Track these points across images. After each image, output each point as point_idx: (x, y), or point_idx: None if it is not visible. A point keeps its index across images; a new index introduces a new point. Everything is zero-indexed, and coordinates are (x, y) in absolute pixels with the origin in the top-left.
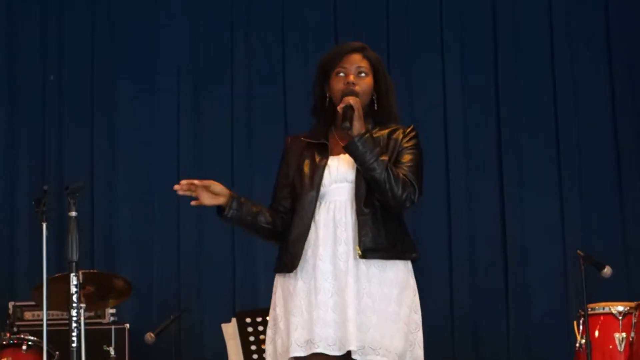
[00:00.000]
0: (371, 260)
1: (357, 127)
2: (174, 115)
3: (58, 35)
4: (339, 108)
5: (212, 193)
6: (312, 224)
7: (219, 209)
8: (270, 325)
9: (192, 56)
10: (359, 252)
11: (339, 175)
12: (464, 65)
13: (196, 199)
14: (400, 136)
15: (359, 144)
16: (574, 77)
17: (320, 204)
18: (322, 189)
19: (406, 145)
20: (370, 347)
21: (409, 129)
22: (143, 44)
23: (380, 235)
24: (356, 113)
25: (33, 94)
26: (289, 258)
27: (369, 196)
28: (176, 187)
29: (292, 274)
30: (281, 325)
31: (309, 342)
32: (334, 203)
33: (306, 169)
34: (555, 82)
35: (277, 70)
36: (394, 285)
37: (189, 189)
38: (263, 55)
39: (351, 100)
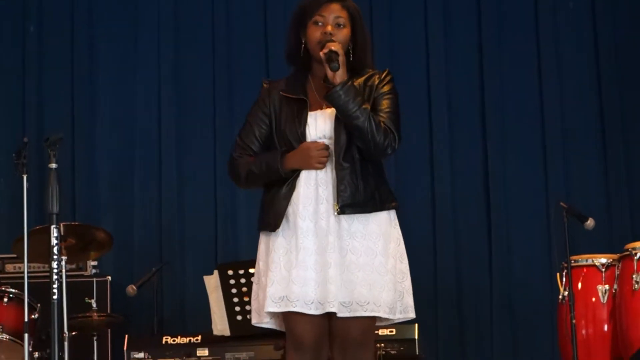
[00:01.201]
0: (352, 215)
1: (340, 73)
2: (154, 68)
3: None
4: (322, 53)
5: None
6: (295, 182)
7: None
8: (255, 280)
9: (174, 9)
10: (337, 208)
11: (318, 132)
12: (446, 21)
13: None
14: (376, 81)
15: (341, 92)
16: (557, 32)
17: None
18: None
19: (382, 90)
20: (358, 303)
21: (384, 74)
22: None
23: (358, 189)
24: (341, 58)
25: (12, 45)
26: (272, 217)
27: (348, 149)
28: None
29: (274, 232)
30: (263, 280)
31: (285, 299)
32: None
33: (286, 126)
34: (539, 39)
35: (259, 22)
36: (378, 237)
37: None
38: (244, 6)
39: (334, 45)
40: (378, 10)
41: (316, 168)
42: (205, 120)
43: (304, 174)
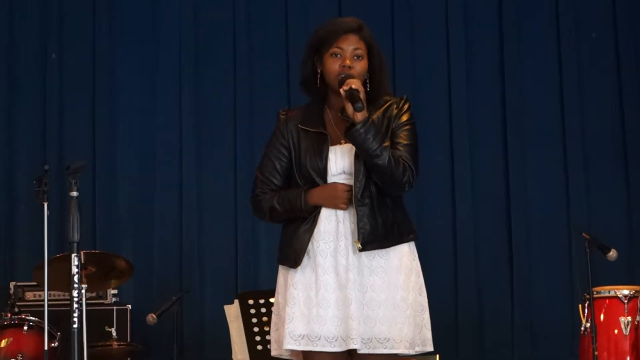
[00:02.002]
0: (372, 251)
1: (363, 111)
2: (176, 94)
3: (59, 13)
4: (342, 91)
5: None
6: (316, 219)
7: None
8: (274, 311)
9: (194, 31)
10: (359, 246)
11: (338, 167)
12: (468, 44)
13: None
14: (395, 111)
15: (362, 131)
16: (579, 55)
17: None
18: (330, 179)
19: (400, 121)
20: (377, 340)
21: (401, 102)
22: (144, 20)
23: (377, 225)
24: (362, 95)
25: (34, 72)
26: (292, 253)
27: (367, 185)
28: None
29: (290, 269)
30: (282, 313)
31: (306, 337)
32: None
33: (306, 160)
34: (561, 63)
35: (280, 40)
36: (399, 271)
37: None
38: (265, 31)
39: (354, 83)
40: (400, 34)
41: (341, 208)
42: (226, 147)
43: (324, 211)
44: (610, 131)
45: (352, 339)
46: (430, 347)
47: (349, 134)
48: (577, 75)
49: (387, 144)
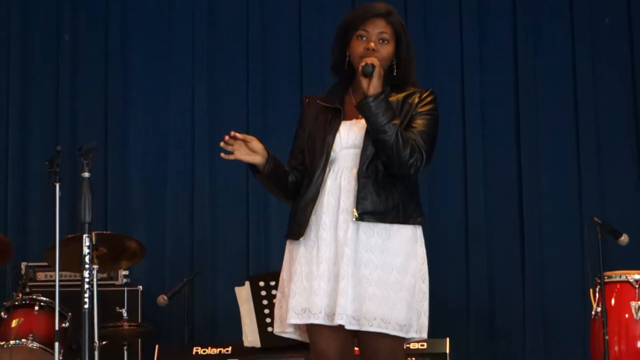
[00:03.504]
0: (372, 227)
1: (375, 85)
2: (188, 77)
3: None
4: (360, 66)
5: (249, 149)
6: (320, 191)
7: (254, 167)
8: (279, 288)
9: (208, 19)
10: (355, 214)
11: (349, 140)
12: (481, 40)
13: (230, 153)
14: (416, 100)
15: (372, 104)
16: (592, 49)
17: (330, 170)
18: (332, 154)
19: (421, 109)
20: (365, 318)
21: (426, 93)
22: (158, 5)
23: (380, 199)
24: (376, 70)
25: (47, 53)
26: (296, 225)
27: (373, 159)
28: (221, 143)
29: (298, 241)
30: (286, 290)
31: (307, 310)
32: (342, 169)
33: (317, 133)
34: (575, 56)
35: (294, 31)
36: (398, 253)
37: (228, 143)
38: (278, 18)
39: (371, 59)
40: (414, 29)
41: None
42: (239, 130)
43: (328, 184)
44: (623, 117)
45: (338, 314)
46: (425, 335)
47: (358, 104)
48: (591, 68)
49: (396, 121)
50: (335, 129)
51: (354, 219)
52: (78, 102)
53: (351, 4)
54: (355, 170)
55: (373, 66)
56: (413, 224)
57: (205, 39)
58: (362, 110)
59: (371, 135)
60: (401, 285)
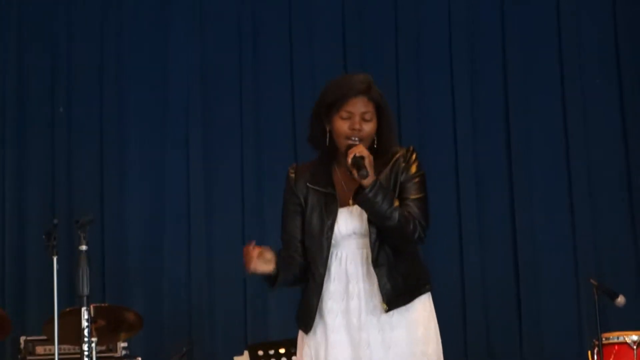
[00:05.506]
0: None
1: (369, 176)
2: (183, 147)
3: (67, 67)
4: (348, 159)
5: (264, 259)
6: (325, 279)
7: (269, 278)
8: None
9: (201, 83)
10: (385, 307)
11: (348, 228)
12: (473, 93)
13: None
14: (402, 164)
15: (370, 195)
16: (583, 99)
17: (332, 257)
18: (333, 242)
19: (409, 174)
20: None
21: (409, 154)
22: (151, 74)
23: (398, 283)
24: (367, 160)
25: (42, 126)
26: (304, 317)
27: (382, 246)
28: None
29: (307, 335)
30: None
31: None
32: (346, 255)
33: (315, 221)
34: (565, 107)
35: (285, 88)
36: (419, 324)
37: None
38: (271, 75)
39: (358, 150)
40: (404, 80)
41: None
42: (234, 196)
43: (333, 271)
44: (617, 174)
45: None
46: None
47: (357, 199)
48: (583, 116)
49: (396, 204)
50: (333, 217)
51: (384, 311)
52: (73, 174)
53: (342, 55)
54: (361, 256)
55: (363, 158)
56: (424, 292)
57: (200, 109)
58: (362, 204)
59: (374, 223)
60: (427, 356)
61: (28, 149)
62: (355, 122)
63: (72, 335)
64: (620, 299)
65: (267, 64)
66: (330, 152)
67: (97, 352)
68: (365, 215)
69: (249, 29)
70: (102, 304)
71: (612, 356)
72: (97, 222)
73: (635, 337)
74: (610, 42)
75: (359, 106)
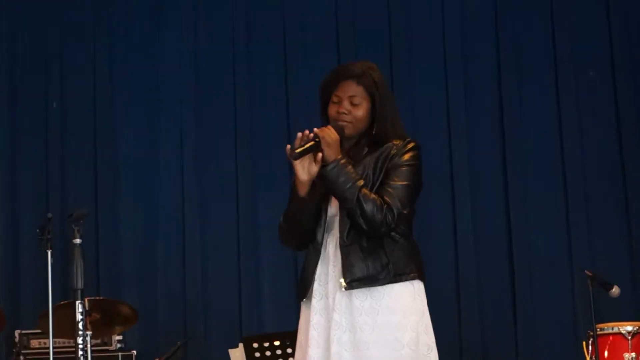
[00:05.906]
0: (364, 291)
1: (328, 154)
2: (177, 141)
3: (59, 61)
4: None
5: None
6: (320, 257)
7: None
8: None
9: (195, 80)
10: (344, 284)
11: (332, 211)
12: (467, 89)
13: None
14: (392, 151)
15: (327, 172)
16: (577, 100)
17: (327, 236)
18: (328, 219)
19: (397, 161)
20: None
21: (404, 144)
22: (145, 71)
23: (366, 264)
24: (325, 140)
25: (35, 121)
26: (301, 283)
27: (352, 226)
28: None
29: (305, 304)
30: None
31: None
32: (329, 237)
33: (314, 199)
34: (560, 105)
35: (280, 90)
36: (394, 312)
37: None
38: (265, 72)
39: (321, 130)
40: (399, 75)
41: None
42: (228, 193)
43: (322, 251)
44: (610, 168)
45: None
46: None
47: (318, 174)
48: (577, 116)
49: (359, 183)
50: (328, 199)
51: (342, 289)
52: (67, 168)
53: (336, 46)
54: (337, 236)
55: (316, 136)
56: (406, 280)
57: (193, 107)
58: (322, 180)
59: None
60: (401, 344)
61: (21, 144)
62: (341, 106)
63: (66, 328)
64: (615, 290)
65: (260, 61)
66: None
67: (91, 346)
68: None
69: (242, 26)
70: (97, 297)
71: (607, 347)
72: (91, 216)
73: (629, 328)
74: (605, 35)
75: (347, 90)
